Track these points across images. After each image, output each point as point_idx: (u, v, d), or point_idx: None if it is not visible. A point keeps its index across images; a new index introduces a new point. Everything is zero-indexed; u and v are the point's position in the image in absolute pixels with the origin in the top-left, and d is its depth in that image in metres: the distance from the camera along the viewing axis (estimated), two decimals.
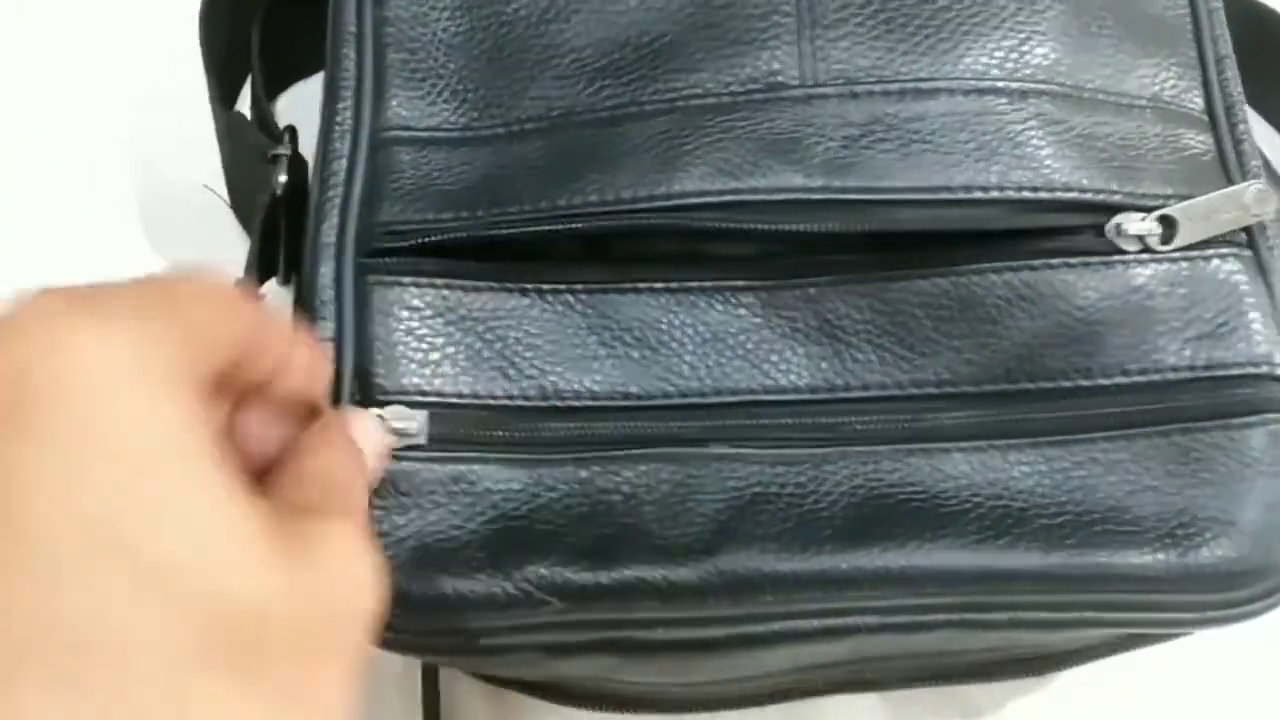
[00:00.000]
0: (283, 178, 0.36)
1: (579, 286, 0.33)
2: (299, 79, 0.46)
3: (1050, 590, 0.31)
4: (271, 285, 0.37)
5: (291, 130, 0.38)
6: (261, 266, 0.36)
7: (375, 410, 0.31)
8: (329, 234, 0.33)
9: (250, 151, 0.39)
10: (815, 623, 0.31)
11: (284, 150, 0.36)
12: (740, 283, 0.33)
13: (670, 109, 0.33)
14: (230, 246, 0.42)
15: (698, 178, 0.32)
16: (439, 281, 0.33)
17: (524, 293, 0.33)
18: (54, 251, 0.44)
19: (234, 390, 0.25)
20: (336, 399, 0.31)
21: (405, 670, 0.40)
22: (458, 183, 0.33)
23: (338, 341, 0.32)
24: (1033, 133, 0.33)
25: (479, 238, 0.32)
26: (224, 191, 0.44)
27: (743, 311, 0.33)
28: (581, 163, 0.33)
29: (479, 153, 0.34)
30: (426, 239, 0.33)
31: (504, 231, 0.32)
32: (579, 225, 0.32)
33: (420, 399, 0.32)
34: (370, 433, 0.30)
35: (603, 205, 0.32)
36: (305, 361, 0.26)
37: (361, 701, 0.39)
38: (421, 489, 0.31)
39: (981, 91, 0.33)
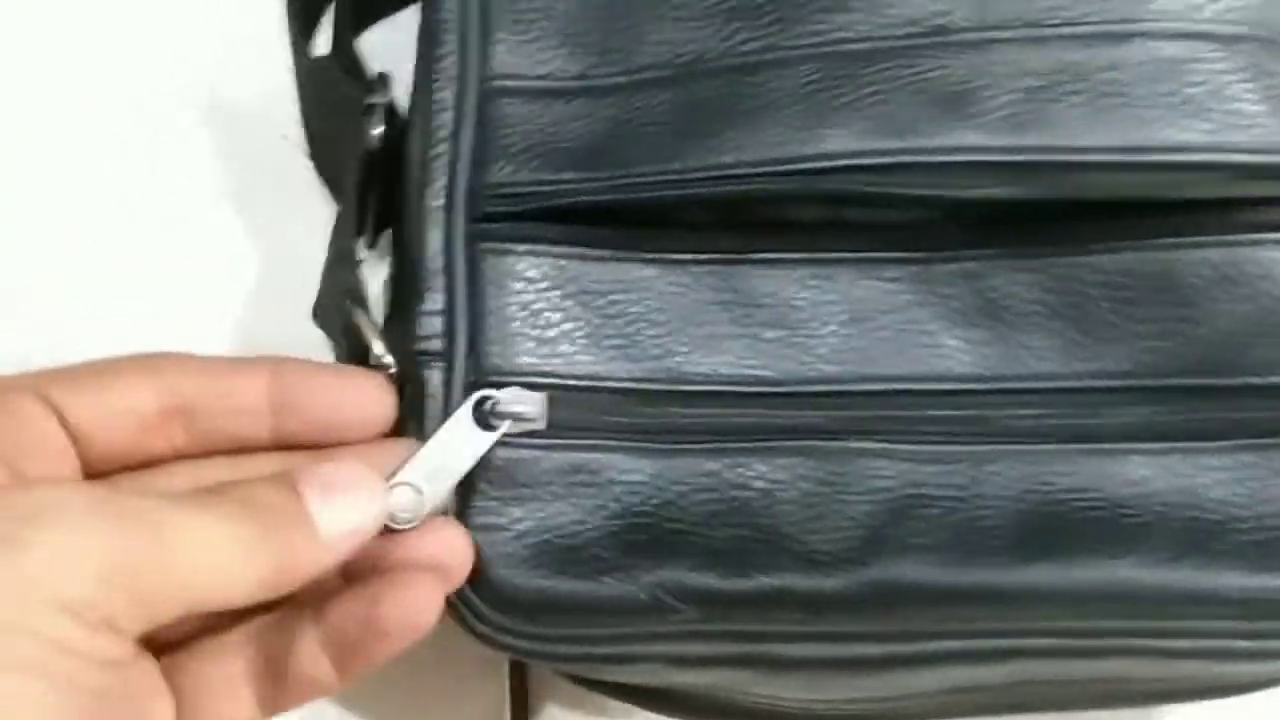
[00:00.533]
0: (379, 130, 0.33)
1: (709, 257, 0.30)
2: (378, 19, 0.43)
3: (1250, 617, 0.27)
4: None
5: (384, 77, 0.34)
6: (358, 229, 0.33)
7: (489, 391, 0.28)
8: (436, 196, 0.30)
9: (338, 101, 0.35)
10: (976, 643, 0.28)
11: (380, 99, 0.33)
12: (890, 255, 0.30)
13: (816, 55, 0.30)
14: (304, 201, 0.40)
15: (853, 136, 0.28)
16: (556, 250, 0.30)
17: (648, 263, 0.30)
18: (119, 206, 0.41)
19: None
20: (448, 381, 0.29)
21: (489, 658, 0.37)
22: (575, 139, 0.30)
23: (449, 316, 0.29)
24: (1245, 85, 0.29)
25: (601, 202, 0.29)
26: (302, 142, 0.41)
27: (892, 288, 0.30)
28: (716, 118, 0.29)
29: (598, 105, 0.30)
30: (543, 203, 0.29)
31: (630, 196, 0.29)
32: (714, 190, 0.29)
33: (537, 380, 0.29)
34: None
35: (741, 167, 0.29)
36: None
37: (441, 691, 0.37)
38: (540, 479, 0.28)
39: (1187, 36, 0.29)
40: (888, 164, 0.28)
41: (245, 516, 0.23)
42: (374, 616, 0.25)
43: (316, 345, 0.38)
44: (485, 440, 0.28)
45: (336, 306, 0.31)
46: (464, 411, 0.28)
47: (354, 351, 0.32)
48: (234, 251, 0.41)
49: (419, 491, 0.27)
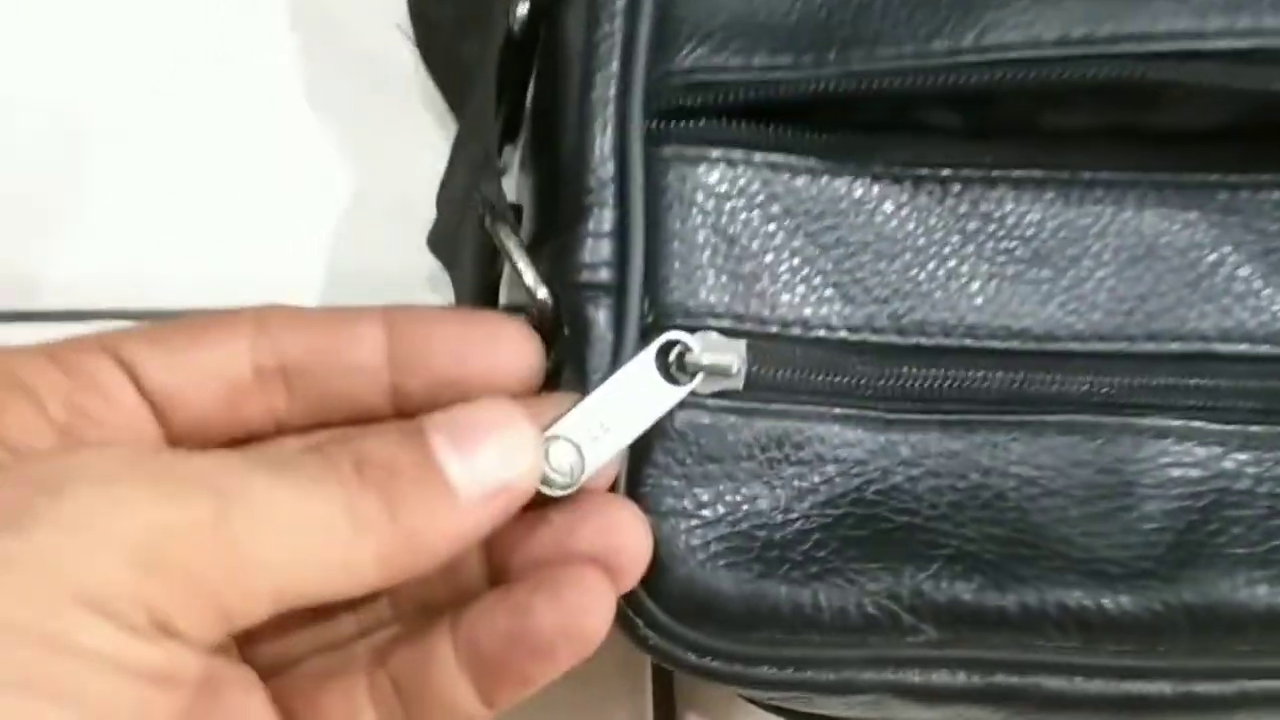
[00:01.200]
0: (524, 7, 0.26)
1: (954, 173, 0.23)
2: None
3: None
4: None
5: None
6: (501, 143, 0.26)
7: (676, 335, 0.22)
8: (605, 87, 0.23)
9: None
10: None
11: None
12: (1193, 177, 0.23)
13: None
14: (411, 109, 0.34)
15: (1191, 10, 0.22)
16: (760, 158, 0.23)
17: (876, 179, 0.23)
18: (188, 117, 0.36)
19: None
20: (620, 321, 0.22)
21: (630, 661, 0.32)
22: (790, 11, 0.23)
23: (621, 239, 0.23)
24: None
25: (825, 94, 0.23)
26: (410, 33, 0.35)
27: (1193, 216, 0.23)
28: None
29: None
30: (747, 95, 0.23)
31: (865, 87, 0.23)
32: (984, 79, 0.22)
33: (732, 324, 0.23)
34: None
35: (1029, 48, 0.22)
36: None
37: (575, 703, 0.31)
38: (735, 453, 0.22)
39: None
40: (1239, 49, 0.21)
41: (352, 477, 0.18)
42: (526, 629, 0.19)
43: (428, 284, 0.33)
44: (670, 397, 0.22)
45: (467, 227, 0.25)
46: (646, 356, 0.22)
47: (484, 287, 0.26)
48: (325, 173, 0.34)
49: (579, 452, 0.21)
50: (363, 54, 0.35)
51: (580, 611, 0.19)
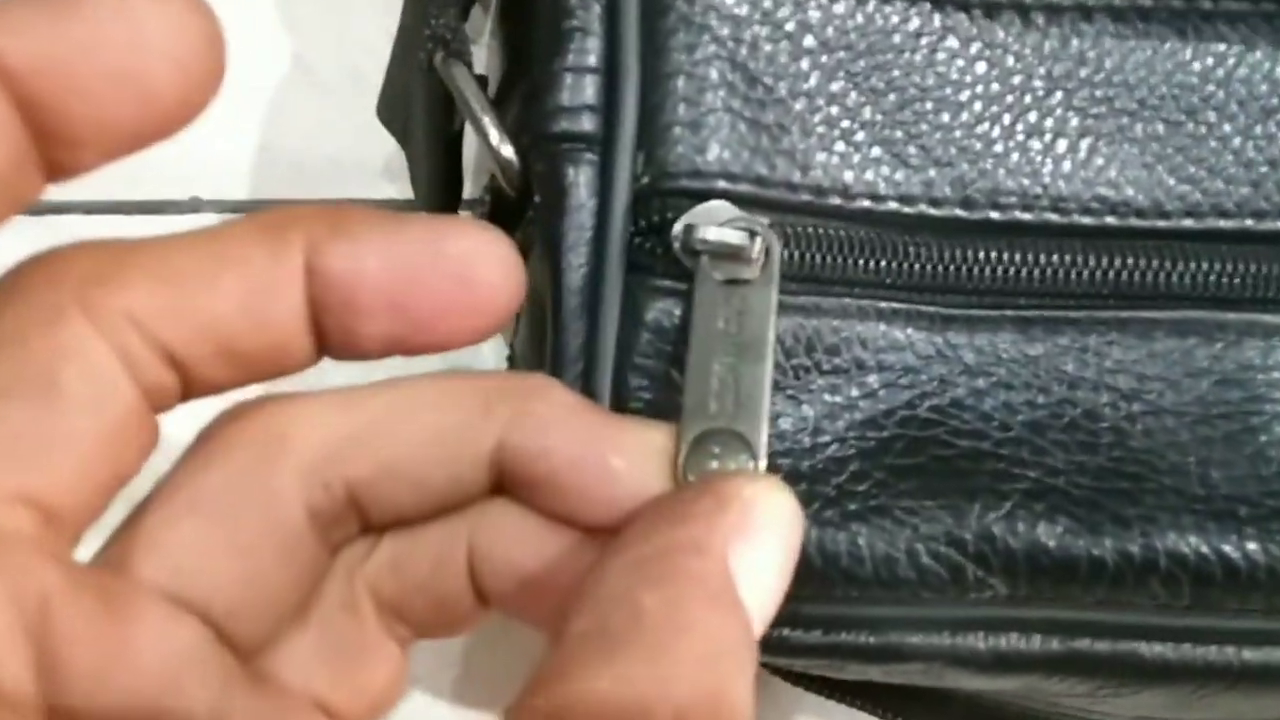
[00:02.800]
0: None
1: (1032, 1, 0.19)
2: None
3: None
4: None
5: None
6: None
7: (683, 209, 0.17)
8: None
9: None
10: None
11: None
12: None
13: None
14: None
15: None
16: None
17: (938, 6, 0.19)
18: None
19: None
20: (607, 185, 0.18)
21: None
22: None
23: (609, 77, 0.18)
24: None
25: None
26: None
27: None
28: None
29: None
30: None
31: None
32: None
33: (755, 190, 0.18)
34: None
35: None
36: None
37: None
38: None
39: None
40: None
41: None
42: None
43: (383, 171, 0.28)
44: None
45: (416, 80, 0.20)
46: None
47: (442, 165, 0.21)
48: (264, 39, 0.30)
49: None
50: None
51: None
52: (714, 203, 0.18)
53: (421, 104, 0.20)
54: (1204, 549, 0.17)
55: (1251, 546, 0.17)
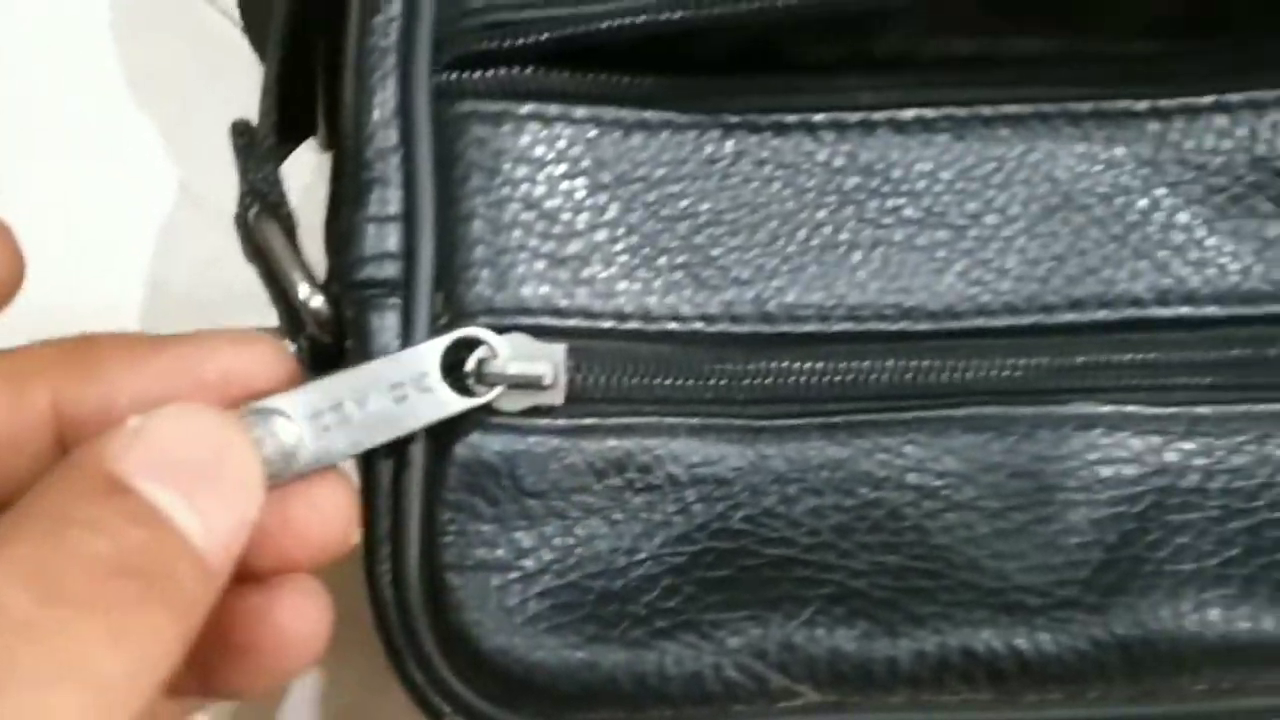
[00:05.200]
0: None
1: (818, 118, 0.20)
2: None
3: None
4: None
5: None
6: (284, 121, 0.23)
7: (475, 332, 0.19)
8: (385, 33, 0.20)
9: None
10: None
11: None
12: (1108, 103, 0.20)
13: None
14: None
15: None
16: (580, 113, 0.20)
17: (729, 131, 0.20)
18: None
19: None
20: (408, 326, 0.19)
21: None
22: None
23: (409, 223, 0.19)
24: None
25: (652, 26, 0.19)
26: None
27: (1119, 154, 0.20)
28: None
29: None
30: (556, 34, 0.20)
31: (700, 12, 0.19)
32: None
33: (555, 322, 0.19)
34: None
35: None
36: None
37: None
38: (563, 484, 0.19)
39: None
40: None
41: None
42: None
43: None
44: (450, 406, 0.18)
45: (242, 222, 0.21)
46: (427, 353, 0.19)
47: (277, 292, 0.23)
48: (138, 159, 0.31)
49: (299, 436, 0.17)
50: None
51: None
52: (510, 336, 0.19)
53: (248, 253, 0.22)
54: (996, 643, 0.18)
55: (1043, 637, 0.18)
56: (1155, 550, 0.18)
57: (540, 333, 0.19)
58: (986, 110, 0.20)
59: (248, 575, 0.17)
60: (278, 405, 0.17)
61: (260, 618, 0.17)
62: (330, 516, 0.17)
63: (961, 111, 0.20)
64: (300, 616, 0.17)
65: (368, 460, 0.19)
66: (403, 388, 0.18)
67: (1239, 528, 0.19)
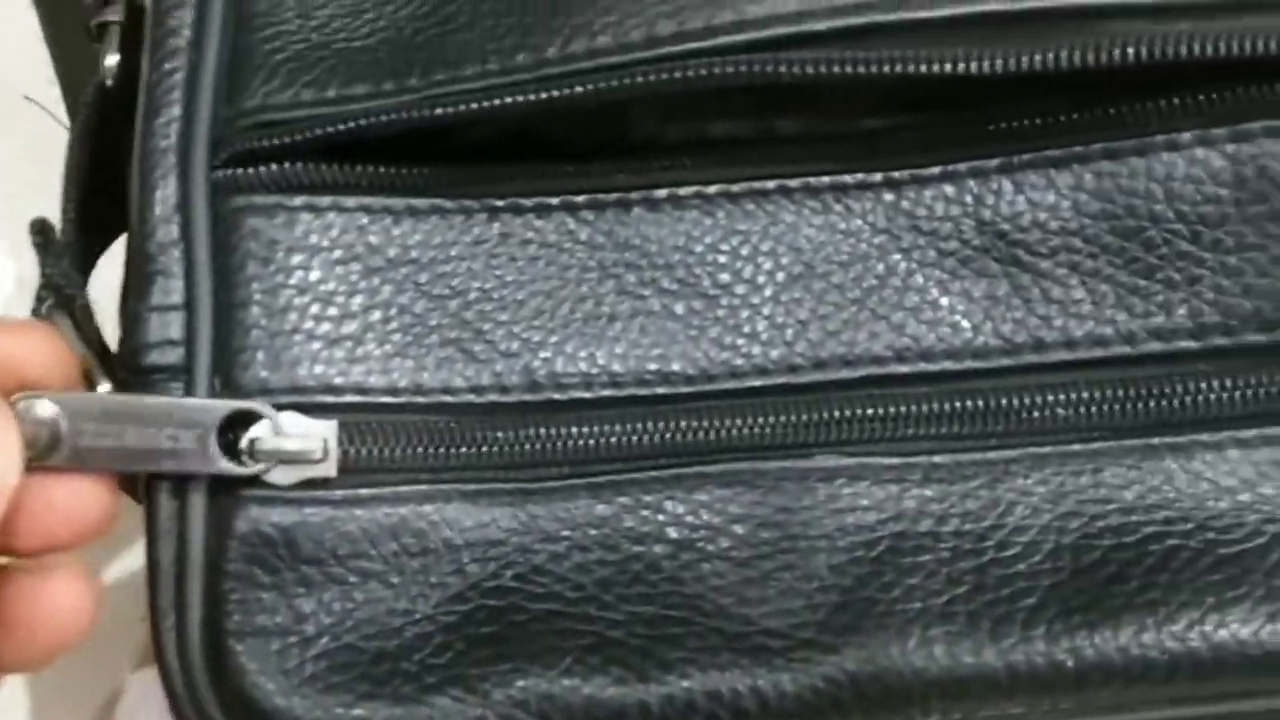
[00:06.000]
0: (113, 59, 0.24)
1: (579, 199, 0.22)
2: None
3: None
4: None
5: None
6: (85, 219, 0.24)
7: (250, 406, 0.20)
8: (165, 134, 0.21)
9: (73, 25, 0.27)
10: None
11: (114, 15, 0.25)
12: (846, 178, 0.22)
13: None
14: None
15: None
16: (351, 202, 0.21)
17: (493, 215, 0.22)
18: None
19: None
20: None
21: None
22: (375, 33, 0.22)
23: (189, 312, 0.21)
24: None
25: (412, 122, 0.21)
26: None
27: (856, 224, 0.22)
28: None
29: None
30: (324, 130, 0.21)
31: (453, 110, 0.21)
32: (579, 92, 0.21)
33: (329, 399, 0.21)
34: None
35: (612, 55, 0.21)
36: None
37: None
38: (340, 553, 0.20)
39: None
40: (827, 31, 0.20)
41: None
42: None
43: None
44: (219, 466, 0.20)
45: (37, 314, 0.22)
46: (209, 410, 0.20)
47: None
48: None
49: (62, 426, 0.19)
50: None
51: None
52: (284, 414, 0.20)
53: None
54: (738, 685, 0.20)
55: (782, 677, 0.20)
56: (887, 591, 0.20)
57: (314, 410, 0.21)
58: (734, 187, 0.22)
59: (17, 554, 0.19)
60: (49, 395, 0.19)
61: (31, 595, 0.19)
62: (90, 503, 0.20)
63: (711, 189, 0.22)
64: (69, 593, 0.19)
65: (150, 529, 0.20)
66: (178, 435, 0.20)
67: (967, 567, 0.20)
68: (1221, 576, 0.20)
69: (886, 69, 0.20)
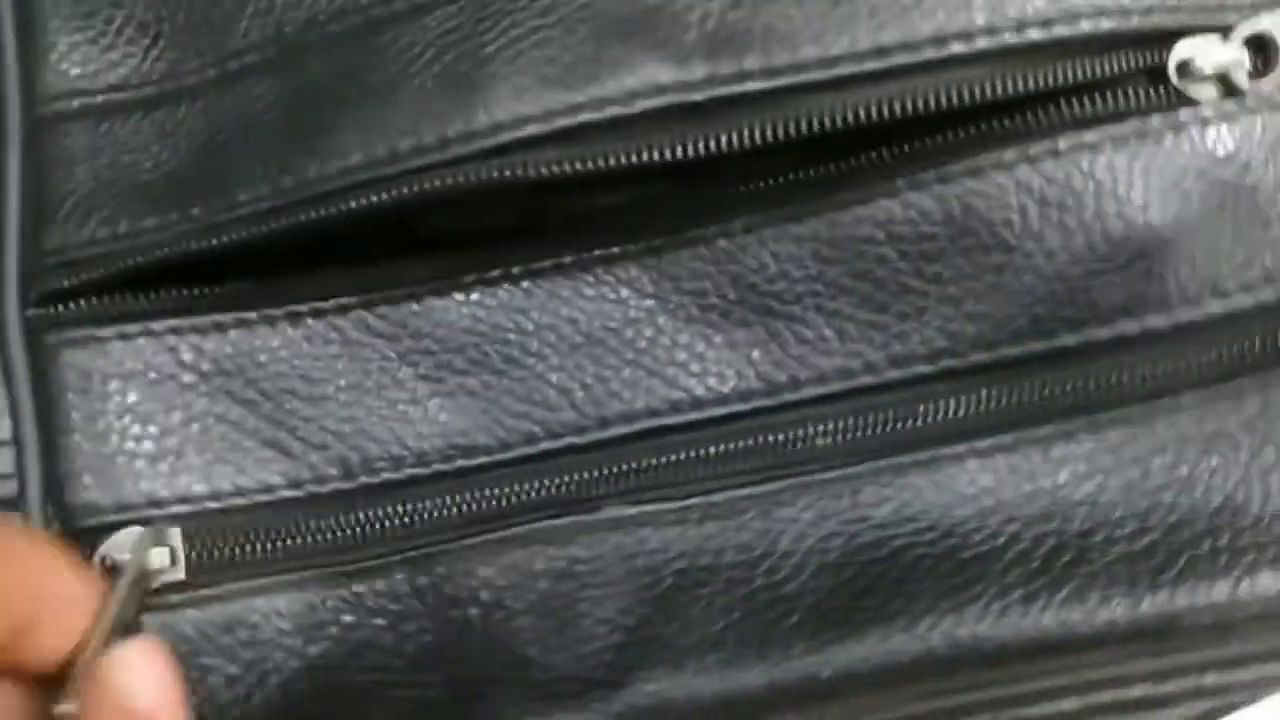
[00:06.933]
0: None
1: (373, 297, 0.24)
2: None
3: (1147, 653, 0.22)
4: None
5: None
6: None
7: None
8: None
9: None
10: None
11: None
12: (612, 250, 0.24)
13: None
14: None
15: (511, 96, 0.23)
16: (159, 326, 0.24)
17: (293, 320, 0.24)
18: None
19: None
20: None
21: None
22: (159, 167, 0.24)
23: (18, 447, 0.23)
24: None
25: (202, 252, 0.23)
26: None
27: (625, 292, 0.24)
28: (332, 106, 0.23)
29: (185, 113, 0.24)
30: (122, 265, 0.23)
31: (235, 236, 0.23)
32: (338, 207, 0.23)
33: (156, 512, 0.23)
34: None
35: (373, 169, 0.23)
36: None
37: None
38: (184, 653, 0.23)
39: None
40: (563, 129, 0.22)
41: None
42: None
43: None
44: None
45: None
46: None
47: None
48: None
49: None
50: None
51: None
52: (121, 532, 0.23)
53: None
54: None
55: (570, 717, 0.22)
56: (667, 626, 0.22)
57: (150, 523, 0.23)
58: (514, 269, 0.24)
59: None
60: None
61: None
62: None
63: (493, 273, 0.24)
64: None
65: None
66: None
67: (739, 595, 0.23)
68: (959, 579, 0.22)
69: (629, 159, 0.22)
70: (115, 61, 0.25)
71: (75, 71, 0.25)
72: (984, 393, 0.23)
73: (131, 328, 0.23)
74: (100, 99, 0.25)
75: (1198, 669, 0.22)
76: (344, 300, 0.24)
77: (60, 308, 0.23)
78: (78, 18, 0.25)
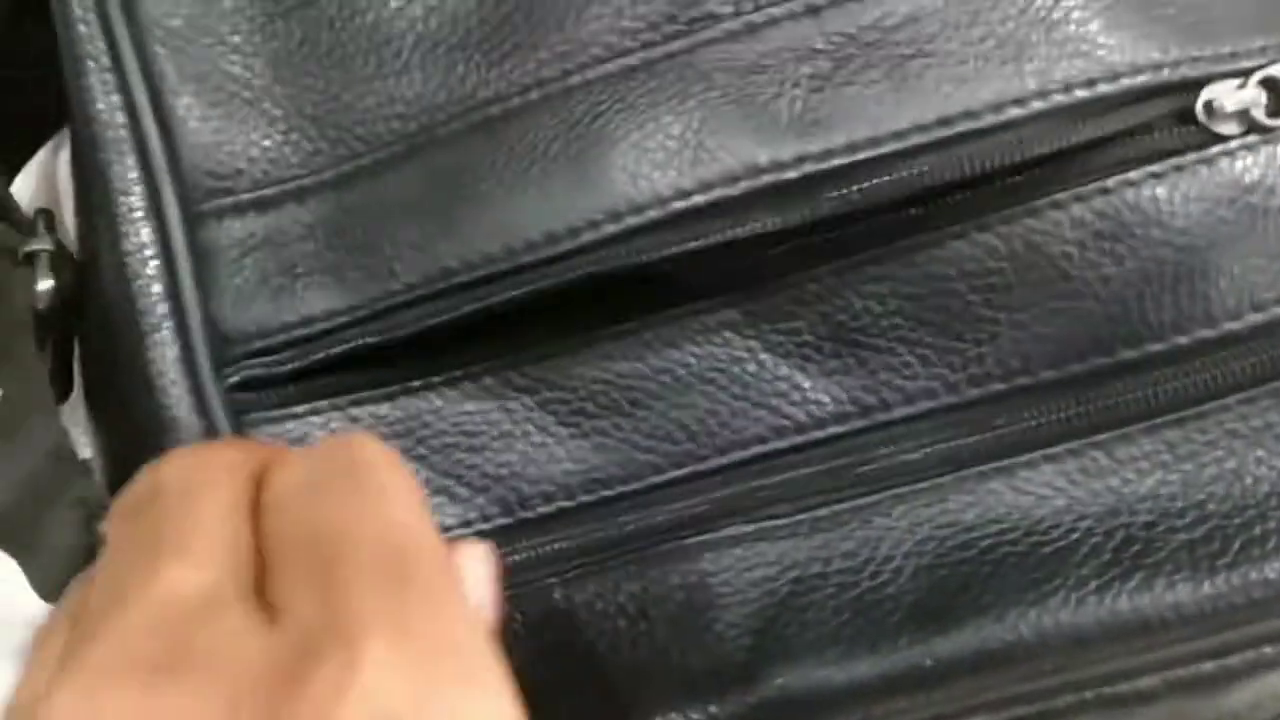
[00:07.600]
0: (47, 284, 0.29)
1: (515, 358, 0.28)
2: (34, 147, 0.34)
3: (1211, 632, 0.25)
4: None
5: (47, 215, 0.30)
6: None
7: None
8: (173, 376, 0.28)
9: None
10: None
11: (44, 245, 0.29)
12: (710, 302, 0.28)
13: (573, 87, 0.28)
14: None
15: (625, 185, 0.26)
16: (343, 401, 0.28)
17: (451, 384, 0.28)
18: None
19: None
20: None
21: None
22: (320, 258, 0.28)
23: None
24: (1070, 3, 0.26)
25: (380, 343, 0.28)
26: None
27: (729, 335, 0.28)
28: (461, 199, 0.27)
29: (329, 207, 0.28)
30: (312, 355, 0.28)
31: (403, 328, 0.27)
32: (488, 298, 0.27)
33: None
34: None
35: (513, 258, 0.27)
36: None
37: None
38: None
39: None
40: (673, 214, 0.26)
41: None
42: None
43: None
44: None
45: (51, 520, 0.29)
46: None
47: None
48: None
49: None
50: None
51: None
52: None
53: (62, 546, 0.28)
54: (674, 716, 0.26)
55: (713, 709, 0.26)
56: (788, 628, 0.26)
57: None
58: (631, 324, 0.28)
59: None
60: None
61: None
62: None
63: (614, 329, 0.28)
64: None
65: None
66: None
67: (848, 597, 0.26)
68: (1041, 573, 0.26)
69: (730, 236, 0.26)
70: (254, 156, 0.29)
71: (219, 167, 0.28)
72: (1054, 404, 0.26)
73: (321, 404, 0.28)
74: (251, 194, 0.28)
75: (1258, 642, 0.25)
76: (491, 364, 0.28)
77: (257, 395, 0.28)
78: (213, 118, 0.29)
